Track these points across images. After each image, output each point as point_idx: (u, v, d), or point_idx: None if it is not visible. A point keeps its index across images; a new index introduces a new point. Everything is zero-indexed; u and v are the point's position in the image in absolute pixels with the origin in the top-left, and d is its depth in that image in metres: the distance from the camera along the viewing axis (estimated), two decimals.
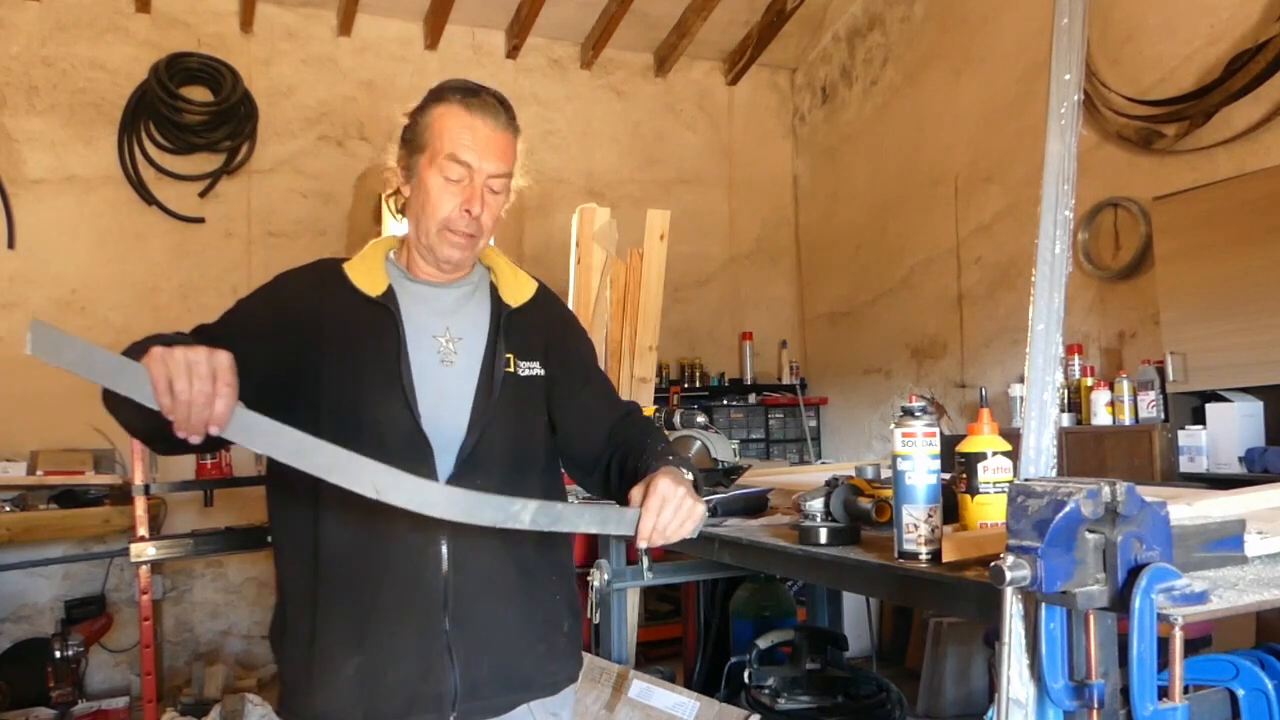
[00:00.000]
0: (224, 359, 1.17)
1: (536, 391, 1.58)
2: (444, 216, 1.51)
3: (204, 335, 1.44)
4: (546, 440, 1.61)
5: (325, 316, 1.52)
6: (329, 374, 1.48)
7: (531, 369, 1.58)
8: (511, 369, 1.55)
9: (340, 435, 1.32)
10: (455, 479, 1.46)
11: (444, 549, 1.45)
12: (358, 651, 1.43)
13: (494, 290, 1.62)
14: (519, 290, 1.63)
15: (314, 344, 1.49)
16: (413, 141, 1.53)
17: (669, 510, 1.30)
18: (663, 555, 2.71)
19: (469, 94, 1.52)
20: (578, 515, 1.34)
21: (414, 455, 1.44)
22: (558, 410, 1.62)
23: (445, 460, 1.47)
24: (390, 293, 1.54)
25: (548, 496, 1.46)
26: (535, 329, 1.62)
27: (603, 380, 1.70)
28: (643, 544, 1.32)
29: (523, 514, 1.28)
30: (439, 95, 1.53)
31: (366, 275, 1.55)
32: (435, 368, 1.52)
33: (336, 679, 1.43)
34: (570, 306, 3.53)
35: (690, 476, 1.40)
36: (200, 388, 1.13)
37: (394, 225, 1.73)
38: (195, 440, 1.17)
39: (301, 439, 1.22)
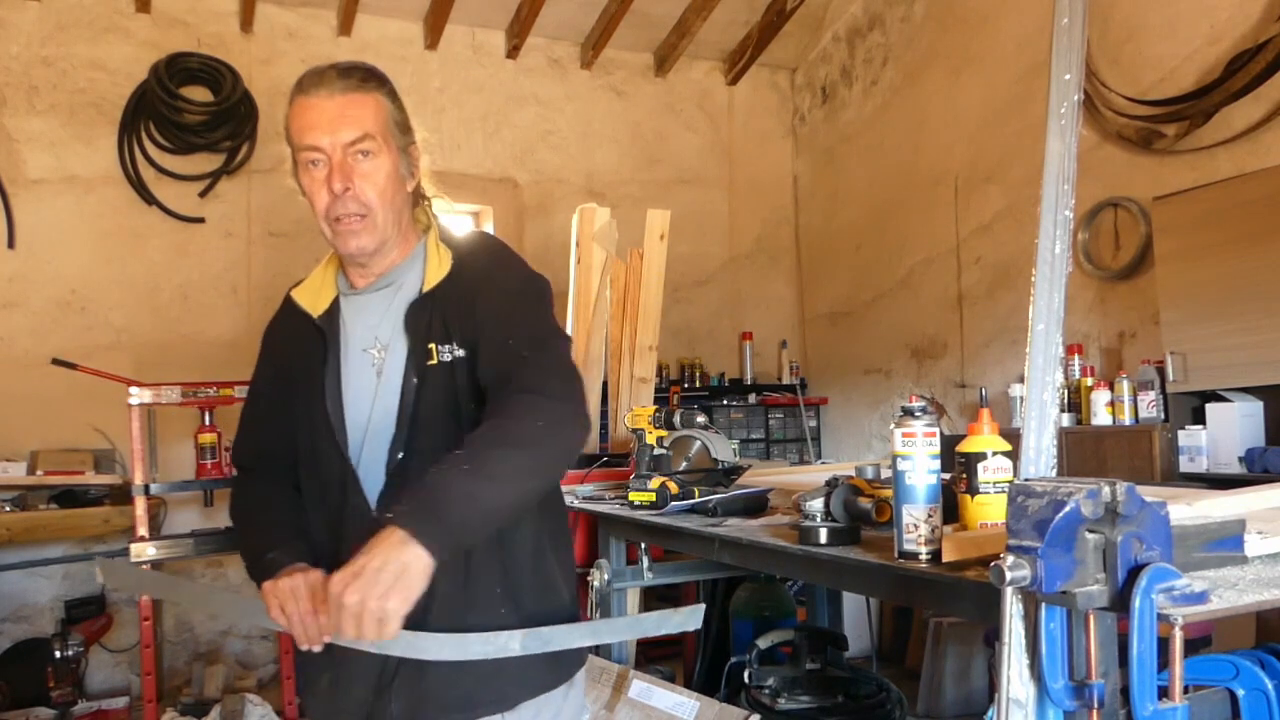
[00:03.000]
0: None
1: (465, 375, 1.41)
2: (323, 209, 1.42)
3: (249, 433, 1.56)
4: None
5: (287, 355, 1.54)
6: (294, 408, 1.50)
7: (453, 352, 1.41)
8: (434, 360, 1.41)
9: (302, 471, 1.39)
10: (387, 494, 1.40)
11: None
12: (329, 666, 1.45)
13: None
14: (436, 271, 1.46)
15: (286, 381, 1.53)
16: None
17: (357, 587, 1.16)
18: (663, 555, 2.71)
19: (305, 78, 1.45)
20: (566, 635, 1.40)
21: (344, 485, 1.42)
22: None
23: (373, 482, 1.41)
24: (330, 311, 1.50)
25: None
26: (451, 305, 1.43)
27: (502, 341, 1.40)
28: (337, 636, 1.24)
29: (511, 643, 1.34)
30: (289, 99, 1.45)
31: (312, 297, 1.52)
32: (370, 381, 1.45)
33: (317, 689, 1.50)
34: (570, 306, 3.51)
35: (428, 525, 1.20)
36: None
37: None
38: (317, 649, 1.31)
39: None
